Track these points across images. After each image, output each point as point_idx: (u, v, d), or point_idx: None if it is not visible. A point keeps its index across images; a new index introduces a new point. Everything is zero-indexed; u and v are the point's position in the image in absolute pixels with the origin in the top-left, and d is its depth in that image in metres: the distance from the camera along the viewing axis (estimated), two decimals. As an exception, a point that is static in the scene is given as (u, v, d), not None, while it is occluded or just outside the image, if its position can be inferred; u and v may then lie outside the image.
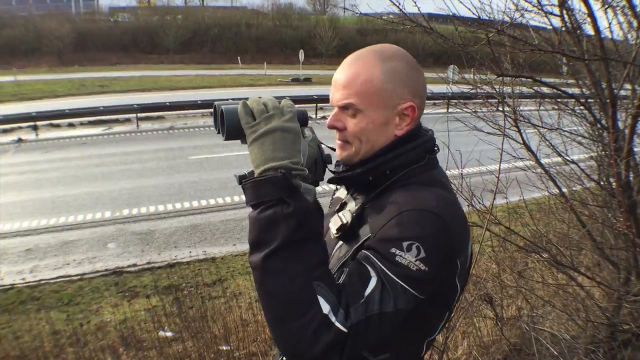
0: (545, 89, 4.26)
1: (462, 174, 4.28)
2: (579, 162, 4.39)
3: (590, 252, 4.68)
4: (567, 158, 4.28)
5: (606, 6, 3.49)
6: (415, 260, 1.39)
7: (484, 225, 4.07)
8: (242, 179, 1.55)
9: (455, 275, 1.55)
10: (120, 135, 25.08)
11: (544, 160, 4.34)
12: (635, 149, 4.01)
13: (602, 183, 4.12)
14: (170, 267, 10.97)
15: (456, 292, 1.61)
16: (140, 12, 70.52)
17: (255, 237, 1.40)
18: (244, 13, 73.56)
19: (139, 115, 26.78)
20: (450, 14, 3.50)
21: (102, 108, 26.77)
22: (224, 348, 5.22)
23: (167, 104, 28.33)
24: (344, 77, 1.61)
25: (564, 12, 3.48)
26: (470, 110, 4.65)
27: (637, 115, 3.18)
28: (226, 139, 1.54)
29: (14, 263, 11.72)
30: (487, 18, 3.76)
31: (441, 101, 12.17)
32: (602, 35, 3.43)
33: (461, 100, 5.00)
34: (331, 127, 1.69)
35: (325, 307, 1.34)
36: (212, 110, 1.61)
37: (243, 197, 1.50)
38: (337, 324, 1.33)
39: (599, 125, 3.75)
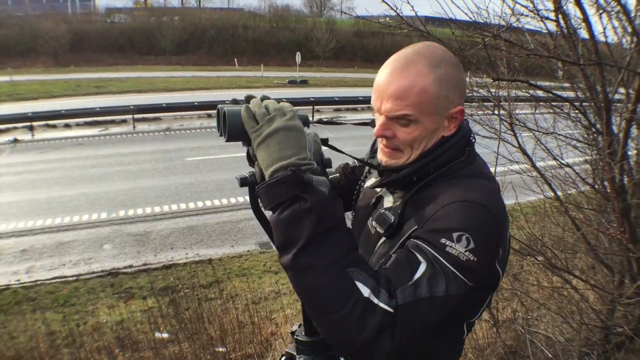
0: (540, 93, 4.28)
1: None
2: (574, 166, 4.40)
3: (585, 255, 4.70)
4: (562, 162, 4.31)
5: (601, 11, 3.51)
6: (465, 251, 1.40)
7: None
8: (243, 182, 1.58)
9: (497, 260, 1.56)
10: (116, 136, 25.05)
11: (539, 164, 4.36)
12: (630, 153, 4.05)
13: (596, 187, 4.15)
14: (167, 269, 10.97)
15: (499, 277, 1.63)
16: (137, 13, 70.43)
17: (281, 239, 1.41)
18: (240, 15, 73.51)
19: (136, 116, 26.73)
20: (447, 17, 3.53)
21: (98, 109, 26.72)
22: (220, 350, 5.23)
23: (164, 105, 28.28)
24: (396, 87, 1.55)
25: (560, 17, 3.50)
26: (465, 114, 4.67)
27: (631, 120, 3.21)
28: (227, 140, 1.55)
29: (9, 264, 11.70)
30: (482, 22, 3.79)
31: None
32: (597, 40, 3.45)
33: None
34: (380, 136, 1.65)
35: (365, 291, 1.33)
36: (213, 111, 1.62)
37: (239, 198, 1.52)
38: (381, 305, 1.33)
39: (593, 129, 3.78)
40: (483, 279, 1.53)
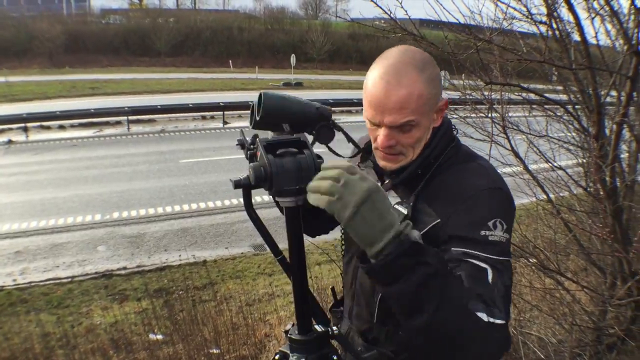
0: (533, 96, 4.31)
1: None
2: (567, 169, 4.43)
3: (577, 257, 4.74)
4: (555, 164, 4.33)
5: (593, 15, 3.55)
6: (503, 233, 1.53)
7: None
8: (237, 184, 1.61)
9: None
10: (111, 137, 25.02)
11: (531, 167, 4.39)
12: (623, 156, 4.08)
13: (589, 189, 4.17)
14: (161, 271, 10.97)
15: None
16: (132, 14, 70.42)
17: (409, 305, 1.38)
18: (236, 17, 73.55)
19: (130, 118, 26.72)
20: (441, 20, 3.56)
21: (92, 110, 26.68)
22: (215, 351, 5.24)
23: (159, 107, 28.27)
24: (397, 98, 1.60)
25: (553, 21, 3.53)
26: (459, 117, 4.70)
27: (622, 123, 3.24)
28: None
29: (3, 265, 11.67)
30: (475, 24, 3.81)
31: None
32: (590, 44, 3.49)
33: (450, 106, 5.02)
34: (387, 147, 1.69)
35: (484, 316, 1.37)
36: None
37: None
38: (498, 321, 1.39)
39: (585, 132, 3.81)
40: None
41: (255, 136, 1.73)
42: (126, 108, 26.79)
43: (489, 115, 4.32)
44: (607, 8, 3.39)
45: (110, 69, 52.04)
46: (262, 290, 8.81)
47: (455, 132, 1.82)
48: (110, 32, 61.06)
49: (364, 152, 1.99)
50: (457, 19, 3.56)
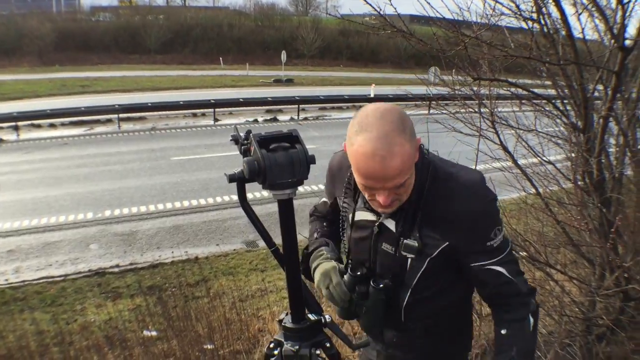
0: (522, 92, 4.36)
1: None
2: (555, 163, 4.48)
3: (566, 249, 4.78)
4: (543, 158, 4.38)
5: (581, 11, 3.60)
6: (501, 236, 1.90)
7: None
8: (232, 178, 1.71)
9: None
10: (101, 135, 24.97)
11: (521, 162, 4.43)
12: (611, 150, 4.14)
13: (578, 183, 4.22)
14: (153, 268, 11.00)
15: None
16: (122, 11, 70.02)
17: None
18: (226, 13, 73.26)
19: (121, 115, 26.66)
20: (430, 16, 3.60)
21: (83, 108, 26.57)
22: (209, 347, 5.27)
23: (149, 104, 28.17)
24: (393, 169, 1.71)
25: (541, 17, 3.58)
26: (449, 112, 4.75)
27: (608, 117, 3.30)
28: None
29: (-4, 264, 11.69)
30: (463, 20, 3.86)
31: (422, 102, 12.26)
32: (577, 39, 3.54)
33: (440, 102, 5.06)
34: (389, 206, 1.86)
35: (530, 319, 1.94)
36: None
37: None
38: (530, 299, 1.97)
39: (573, 126, 3.86)
40: None
41: (249, 131, 1.79)
42: (117, 106, 26.71)
43: (478, 110, 4.35)
44: (593, 5, 3.44)
45: (101, 66, 51.74)
46: (255, 287, 8.84)
47: (426, 153, 1.97)
48: (100, 29, 60.69)
49: (348, 187, 2.15)
50: (446, 16, 3.60)
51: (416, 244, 1.91)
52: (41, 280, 10.80)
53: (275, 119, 29.04)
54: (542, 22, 3.63)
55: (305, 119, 29.67)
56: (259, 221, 1.90)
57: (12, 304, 9.54)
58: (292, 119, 29.15)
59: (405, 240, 1.93)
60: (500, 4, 3.70)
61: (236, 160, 1.72)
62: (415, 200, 1.89)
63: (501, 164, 4.55)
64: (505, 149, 4.34)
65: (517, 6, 3.67)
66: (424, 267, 1.94)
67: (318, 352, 1.96)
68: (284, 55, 45.68)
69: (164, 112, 28.66)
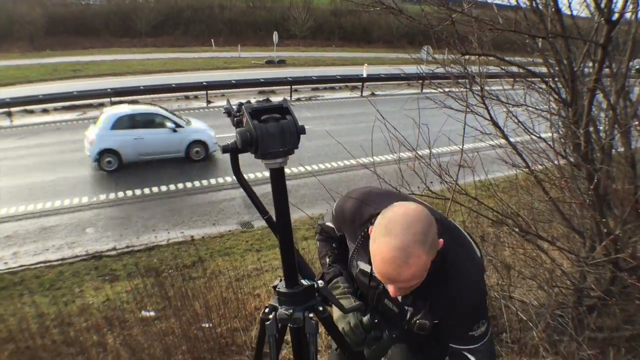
0: (513, 68, 4.39)
1: (431, 152, 4.42)
2: (547, 139, 4.50)
3: (557, 223, 4.84)
4: (532, 132, 4.41)
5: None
6: (483, 327, 2.06)
7: (450, 196, 4.24)
8: (225, 149, 1.78)
9: None
10: (94, 119, 24.88)
11: (512, 139, 4.46)
12: (601, 127, 4.19)
13: (569, 157, 4.26)
14: (150, 250, 11.08)
15: None
16: (112, -5, 69.47)
17: None
18: (216, -5, 72.79)
19: (113, 99, 26.56)
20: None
21: (75, 93, 26.53)
22: (206, 325, 5.33)
23: (141, 87, 28.12)
24: (405, 277, 1.83)
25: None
26: (437, 87, 4.78)
27: (594, 89, 3.35)
28: None
29: (-6, 250, 11.75)
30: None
31: (415, 82, 12.35)
32: (564, 14, 3.58)
33: (434, 81, 5.09)
34: (398, 296, 2.07)
35: None
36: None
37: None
38: None
39: (561, 100, 3.90)
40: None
41: (241, 104, 1.85)
42: (109, 90, 26.72)
43: (466, 86, 4.39)
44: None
45: (92, 50, 51.45)
46: (251, 266, 8.91)
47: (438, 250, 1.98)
48: (91, 13, 60.21)
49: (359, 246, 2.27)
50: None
51: (412, 309, 2.11)
52: (39, 265, 10.89)
53: (268, 100, 28.71)
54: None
55: (298, 99, 29.65)
56: (252, 190, 1.97)
57: (12, 288, 9.62)
58: (285, 100, 28.89)
59: (418, 322, 2.10)
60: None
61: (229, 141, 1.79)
62: (424, 289, 2.00)
63: (494, 141, 4.57)
64: (495, 124, 4.37)
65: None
66: (418, 322, 2.11)
67: (311, 315, 2.04)
68: (275, 37, 45.50)
69: (156, 95, 28.57)
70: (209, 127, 18.65)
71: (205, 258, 10.23)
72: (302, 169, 16.30)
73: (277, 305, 2.09)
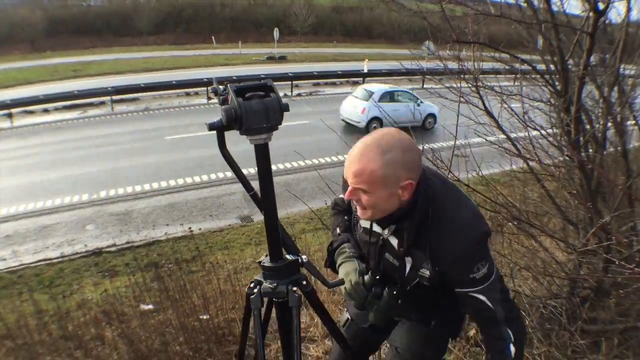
0: (507, 57, 4.40)
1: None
2: (540, 130, 4.51)
3: (554, 215, 4.85)
4: (525, 121, 4.42)
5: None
6: (484, 269, 2.09)
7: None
8: (211, 126, 1.91)
9: None
10: (95, 118, 25.01)
11: (507, 130, 4.47)
12: (596, 121, 4.19)
13: (563, 147, 4.27)
14: (149, 245, 11.11)
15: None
16: (113, -6, 69.54)
17: None
18: (217, -8, 72.80)
19: (114, 97, 26.71)
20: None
21: (76, 92, 26.60)
22: (204, 317, 5.36)
23: (142, 85, 28.17)
24: (354, 169, 2.02)
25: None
26: (434, 80, 4.79)
27: (583, 77, 3.37)
28: None
29: (-7, 249, 11.80)
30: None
31: (417, 77, 12.40)
32: (554, 2, 3.59)
33: (431, 74, 5.11)
34: (348, 199, 2.14)
35: (511, 348, 2.17)
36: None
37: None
38: (514, 337, 2.17)
39: (553, 89, 3.92)
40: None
41: (227, 83, 1.93)
42: (109, 88, 26.74)
43: (462, 76, 4.40)
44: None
45: (93, 50, 51.50)
46: (250, 259, 8.94)
47: (429, 193, 2.15)
48: (91, 14, 60.31)
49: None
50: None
51: (412, 261, 2.20)
52: (39, 263, 10.92)
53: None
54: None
55: (299, 95, 29.71)
56: (238, 167, 2.05)
57: (11, 287, 9.65)
58: (285, 95, 29.11)
59: (420, 272, 2.20)
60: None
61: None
62: (415, 232, 2.14)
63: (490, 136, 4.57)
64: (489, 114, 4.39)
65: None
66: (418, 278, 2.21)
67: (295, 289, 2.10)
68: (276, 33, 45.54)
69: (157, 93, 28.72)
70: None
71: (204, 252, 10.25)
72: (302, 163, 16.31)
73: (262, 279, 2.14)
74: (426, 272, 2.16)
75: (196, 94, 29.26)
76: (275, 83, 1.91)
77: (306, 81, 32.40)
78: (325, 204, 5.25)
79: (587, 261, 4.16)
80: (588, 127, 4.04)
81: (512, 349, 2.15)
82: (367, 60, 36.79)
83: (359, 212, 2.18)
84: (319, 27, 63.00)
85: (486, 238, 2.15)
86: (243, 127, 1.84)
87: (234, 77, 29.86)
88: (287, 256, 2.17)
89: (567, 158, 4.14)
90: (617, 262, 3.82)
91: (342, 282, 2.32)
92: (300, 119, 20.93)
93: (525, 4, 3.82)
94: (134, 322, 5.75)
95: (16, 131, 23.19)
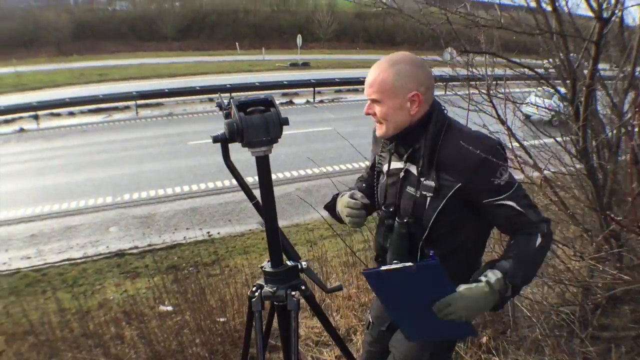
0: (527, 71, 4.43)
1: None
2: (553, 139, 4.54)
3: (567, 222, 4.86)
4: (540, 130, 4.47)
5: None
6: (506, 174, 2.16)
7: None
8: (215, 139, 2.05)
9: None
10: (120, 122, 25.34)
11: (519, 137, 4.50)
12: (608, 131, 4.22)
13: (575, 156, 4.29)
14: (171, 249, 11.24)
15: None
16: (138, 0, 70.33)
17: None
18: (241, -1, 73.30)
19: (138, 102, 27.03)
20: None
21: (101, 96, 27.00)
22: (221, 319, 5.44)
23: (166, 90, 28.48)
24: (369, 79, 2.22)
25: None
26: (450, 88, 4.83)
27: (590, 86, 3.42)
28: None
29: (19, 248, 12.04)
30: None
31: (440, 83, 12.49)
32: (562, 11, 3.64)
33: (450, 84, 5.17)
34: (366, 114, 2.28)
35: (539, 238, 2.18)
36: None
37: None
38: (541, 224, 2.21)
39: (563, 98, 3.97)
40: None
41: (231, 97, 2.06)
42: (134, 93, 27.08)
43: (474, 84, 4.46)
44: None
45: (118, 55, 52.09)
46: (269, 264, 9.00)
47: (444, 114, 2.29)
48: (117, 18, 61.13)
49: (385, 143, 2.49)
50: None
51: (433, 184, 2.22)
52: (62, 263, 11.10)
53: (291, 102, 29.23)
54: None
55: (321, 101, 29.78)
56: (241, 178, 2.18)
57: (35, 285, 9.83)
58: (307, 102, 29.31)
59: (424, 182, 2.26)
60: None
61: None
62: (430, 146, 2.21)
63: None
64: (502, 122, 4.41)
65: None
66: (441, 206, 2.22)
67: (294, 293, 2.21)
68: (299, 39, 45.73)
69: (181, 98, 28.97)
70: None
71: (224, 256, 10.36)
72: (323, 169, 16.38)
73: (263, 284, 2.27)
74: (431, 183, 2.22)
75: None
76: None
77: (328, 88, 32.46)
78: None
79: (595, 267, 4.17)
80: (602, 134, 4.07)
81: (539, 239, 2.18)
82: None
83: (377, 129, 2.33)
84: (341, 34, 63.13)
85: (501, 147, 2.21)
86: (244, 140, 2.00)
87: (257, 84, 30.11)
88: (287, 262, 2.30)
89: (577, 166, 4.18)
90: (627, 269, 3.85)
91: (340, 288, 2.41)
92: (322, 125, 21.06)
93: (532, 13, 3.86)
94: (152, 323, 5.86)
95: (42, 133, 23.59)
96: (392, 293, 2.13)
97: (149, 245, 11.78)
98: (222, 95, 2.30)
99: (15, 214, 14.14)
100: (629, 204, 3.74)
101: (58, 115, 26.52)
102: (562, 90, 4.03)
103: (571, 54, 3.71)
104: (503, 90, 4.66)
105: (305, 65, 45.81)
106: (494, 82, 4.50)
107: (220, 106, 2.11)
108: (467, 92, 4.80)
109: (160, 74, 39.77)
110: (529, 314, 4.42)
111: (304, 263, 2.33)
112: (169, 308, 6.54)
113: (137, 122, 25.18)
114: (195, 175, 16.46)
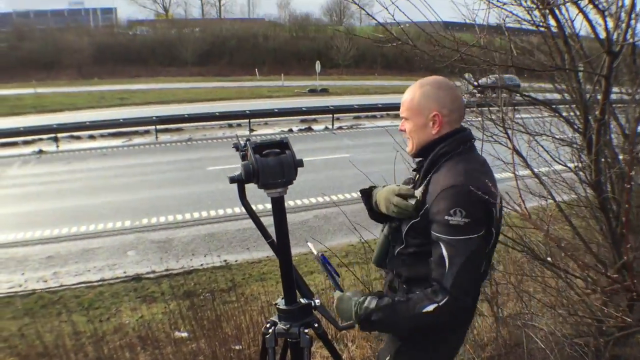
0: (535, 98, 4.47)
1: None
2: (566, 170, 4.55)
3: (581, 253, 4.85)
4: (555, 159, 4.47)
5: (574, 17, 3.72)
6: (462, 219, 2.11)
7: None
8: (232, 180, 2.15)
9: (491, 221, 2.25)
10: (139, 146, 25.57)
11: (537, 170, 4.51)
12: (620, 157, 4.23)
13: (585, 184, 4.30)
14: (188, 274, 11.27)
15: (492, 236, 2.31)
16: (158, 25, 71.33)
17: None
18: (261, 25, 74.09)
19: (158, 127, 27.27)
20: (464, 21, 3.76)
21: (121, 120, 27.29)
22: (236, 347, 5.46)
23: (186, 116, 28.72)
24: (402, 99, 2.43)
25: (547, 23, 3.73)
26: (466, 120, 4.85)
27: (600, 120, 3.45)
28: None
29: (35, 270, 12.12)
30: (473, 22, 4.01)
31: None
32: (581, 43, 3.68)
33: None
34: (399, 130, 2.50)
35: (430, 307, 2.13)
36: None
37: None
38: (442, 302, 2.11)
39: (576, 130, 3.99)
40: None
41: (247, 139, 2.13)
42: (154, 117, 27.33)
43: (489, 116, 4.50)
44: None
45: (138, 79, 52.69)
46: (284, 291, 8.98)
47: (463, 145, 2.34)
48: (138, 43, 61.97)
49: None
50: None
51: (418, 197, 2.30)
52: (79, 285, 11.15)
53: (310, 129, 29.35)
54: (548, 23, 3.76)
55: (340, 128, 29.84)
56: (257, 217, 2.23)
57: (51, 307, 9.89)
58: (326, 129, 29.37)
59: (414, 192, 2.35)
60: (513, 13, 3.85)
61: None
62: (428, 163, 2.34)
63: (518, 172, 4.60)
64: (518, 153, 4.43)
65: (533, 20, 3.82)
66: (414, 220, 2.29)
67: (307, 331, 2.24)
68: (318, 66, 45.98)
69: (200, 123, 29.22)
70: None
71: (241, 283, 10.39)
72: (341, 196, 16.38)
73: (277, 320, 2.30)
74: (418, 195, 2.29)
75: (239, 125, 29.63)
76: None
77: (347, 114, 32.56)
78: (360, 237, 5.37)
79: (607, 298, 4.16)
80: (616, 166, 4.08)
81: (431, 307, 2.12)
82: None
83: (408, 147, 2.49)
84: (360, 59, 63.47)
85: (477, 195, 2.13)
86: (260, 182, 2.06)
87: (276, 110, 30.28)
88: (301, 300, 2.34)
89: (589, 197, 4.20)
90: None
91: (352, 325, 2.40)
92: (341, 152, 21.13)
93: (545, 44, 3.90)
94: (167, 349, 5.89)
95: (61, 155, 23.87)
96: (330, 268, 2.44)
97: (166, 270, 11.81)
98: (239, 136, 2.37)
99: (32, 235, 14.24)
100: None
101: (78, 138, 26.85)
102: (576, 122, 4.07)
103: (583, 86, 3.75)
104: (517, 120, 4.70)
105: (324, 91, 46.06)
106: (509, 110, 4.54)
107: (237, 147, 2.18)
108: (480, 121, 4.84)
109: (180, 99, 40.18)
110: (542, 345, 4.40)
111: (317, 301, 2.38)
112: (184, 334, 6.57)
113: (157, 147, 25.40)
114: (213, 201, 16.51)
